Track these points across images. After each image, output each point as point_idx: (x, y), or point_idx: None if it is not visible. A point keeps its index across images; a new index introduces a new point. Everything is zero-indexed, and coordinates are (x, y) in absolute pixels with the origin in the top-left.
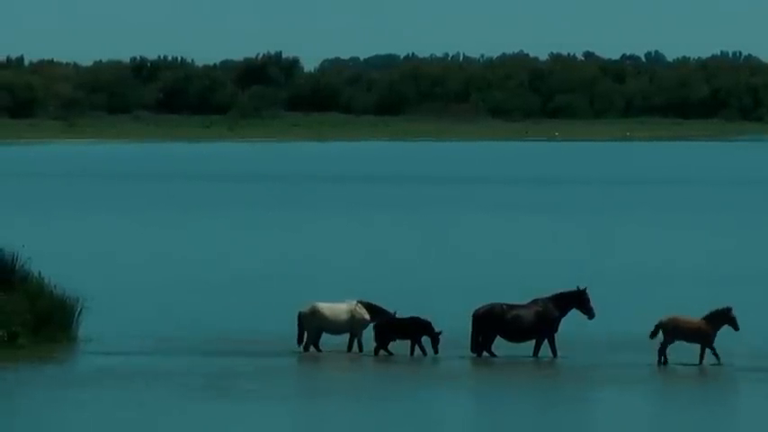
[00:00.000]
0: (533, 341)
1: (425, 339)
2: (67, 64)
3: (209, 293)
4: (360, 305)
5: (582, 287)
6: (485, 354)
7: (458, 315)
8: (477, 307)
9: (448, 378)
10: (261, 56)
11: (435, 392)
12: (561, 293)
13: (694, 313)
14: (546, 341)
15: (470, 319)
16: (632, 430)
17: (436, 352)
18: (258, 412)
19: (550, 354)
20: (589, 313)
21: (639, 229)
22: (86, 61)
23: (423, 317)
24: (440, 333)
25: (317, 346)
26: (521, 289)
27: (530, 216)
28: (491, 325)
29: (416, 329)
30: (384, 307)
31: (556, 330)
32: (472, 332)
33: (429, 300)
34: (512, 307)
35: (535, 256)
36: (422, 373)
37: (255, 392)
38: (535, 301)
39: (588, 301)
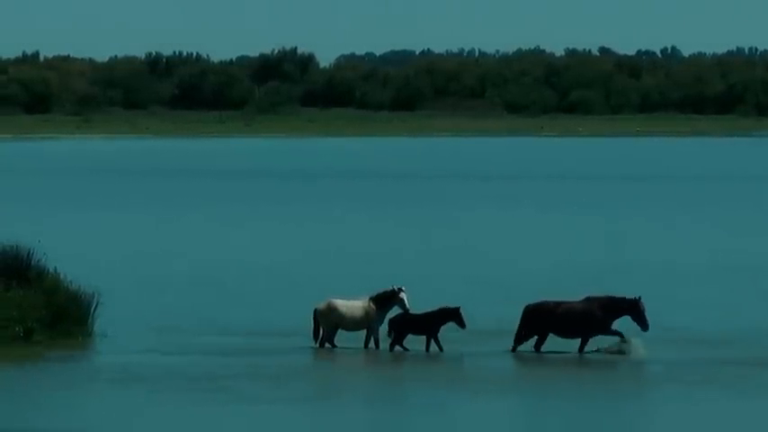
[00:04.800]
0: (581, 338)
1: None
2: (83, 60)
3: (222, 290)
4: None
5: (636, 297)
6: (519, 348)
7: (472, 311)
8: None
9: (468, 377)
10: (276, 51)
11: (448, 390)
12: (614, 297)
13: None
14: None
15: (521, 313)
16: (659, 429)
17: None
18: (273, 412)
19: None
20: (643, 325)
21: (654, 226)
22: (102, 57)
23: (450, 305)
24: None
25: (332, 343)
26: (534, 286)
27: (545, 212)
28: (541, 320)
29: (433, 323)
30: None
31: (605, 331)
32: (519, 326)
33: (443, 296)
34: (560, 304)
35: (550, 252)
36: (435, 371)
37: (271, 392)
38: (587, 299)
39: (642, 312)
